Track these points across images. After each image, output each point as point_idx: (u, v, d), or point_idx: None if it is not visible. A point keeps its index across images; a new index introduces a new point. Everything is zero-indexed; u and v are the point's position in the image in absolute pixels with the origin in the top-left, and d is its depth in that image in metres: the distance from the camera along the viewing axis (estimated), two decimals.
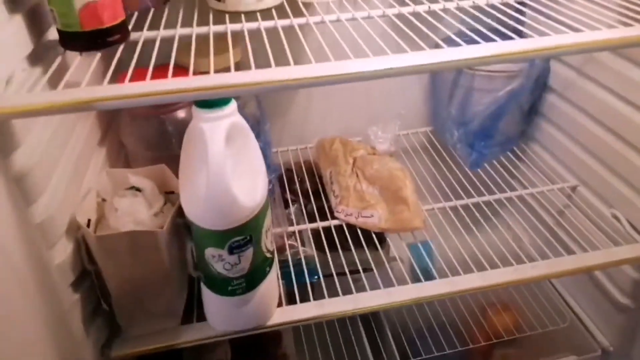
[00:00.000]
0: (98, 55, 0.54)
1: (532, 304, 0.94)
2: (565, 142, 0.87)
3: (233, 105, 0.53)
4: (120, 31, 0.53)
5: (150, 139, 0.72)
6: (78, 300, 0.56)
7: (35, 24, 0.53)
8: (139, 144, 0.73)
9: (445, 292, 0.67)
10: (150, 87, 0.45)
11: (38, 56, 0.52)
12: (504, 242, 0.77)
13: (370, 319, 0.92)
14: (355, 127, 0.96)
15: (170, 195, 0.63)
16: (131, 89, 0.44)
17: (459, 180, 0.88)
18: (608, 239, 0.74)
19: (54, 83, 0.47)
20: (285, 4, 0.65)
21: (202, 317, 0.63)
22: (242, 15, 0.62)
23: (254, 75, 0.46)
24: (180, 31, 0.60)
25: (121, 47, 0.54)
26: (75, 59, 0.53)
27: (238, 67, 0.59)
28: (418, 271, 0.70)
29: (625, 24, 0.52)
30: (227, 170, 0.52)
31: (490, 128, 0.88)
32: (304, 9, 0.66)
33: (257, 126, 0.83)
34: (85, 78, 0.47)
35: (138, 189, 0.61)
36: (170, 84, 0.45)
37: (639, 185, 0.73)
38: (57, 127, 0.55)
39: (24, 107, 0.42)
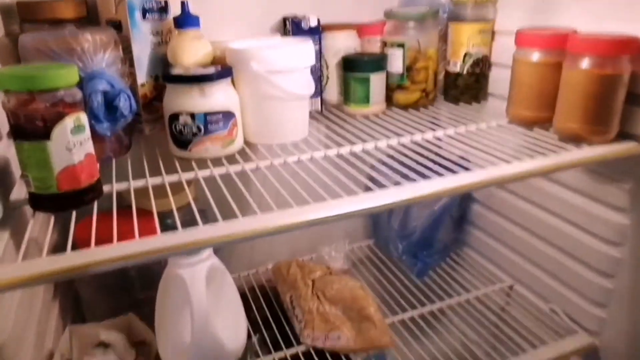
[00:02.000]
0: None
1: None
2: (495, 246, 0.97)
3: (210, 248, 0.55)
4: (95, 190, 0.54)
5: (111, 286, 0.69)
6: None
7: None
8: (98, 292, 0.70)
9: None
10: (119, 251, 0.46)
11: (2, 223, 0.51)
12: (453, 347, 0.81)
13: None
14: (303, 247, 0.99)
15: (140, 346, 0.60)
16: (100, 254, 0.45)
17: (409, 290, 0.93)
18: (551, 332, 0.81)
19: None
20: (246, 149, 0.70)
21: None
22: (208, 162, 0.65)
23: (215, 230, 0.49)
24: (153, 180, 0.61)
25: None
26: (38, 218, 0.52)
27: (195, 201, 0.60)
28: None
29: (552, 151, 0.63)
30: (211, 317, 0.52)
31: (430, 238, 0.97)
32: (265, 152, 0.71)
33: None
34: (47, 236, 0.46)
35: (106, 345, 0.58)
36: (139, 245, 0.46)
37: (569, 280, 0.82)
38: (22, 294, 0.53)
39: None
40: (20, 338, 0.49)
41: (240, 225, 0.49)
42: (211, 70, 0.64)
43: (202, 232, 0.48)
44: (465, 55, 0.83)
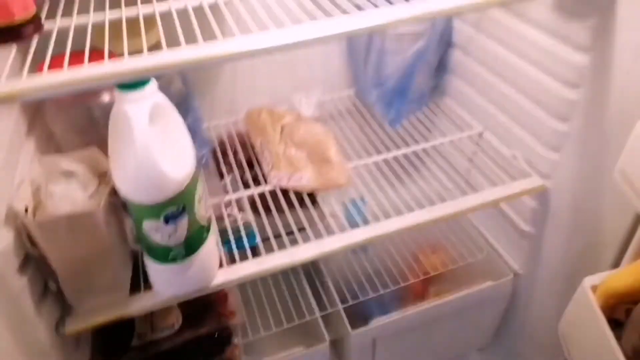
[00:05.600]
0: (14, 47, 0.56)
1: (455, 243, 1.05)
2: (471, 94, 0.97)
3: (153, 85, 0.57)
4: (32, 23, 0.55)
5: (78, 125, 0.74)
6: (26, 283, 0.59)
7: None
8: (68, 130, 0.75)
9: (369, 237, 0.75)
10: (69, 75, 0.48)
11: None
12: (426, 189, 0.85)
13: (311, 272, 1.00)
14: (282, 95, 1.01)
15: (103, 177, 0.66)
16: (50, 79, 0.47)
17: (381, 137, 0.96)
18: (509, 176, 0.85)
19: None
20: None
21: (149, 287, 0.68)
22: None
23: (163, 57, 0.50)
24: (93, 17, 0.62)
25: (35, 39, 0.56)
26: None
27: (154, 49, 0.62)
28: (348, 226, 0.77)
29: None
30: (152, 148, 0.56)
31: (404, 86, 0.96)
32: None
33: (185, 103, 0.86)
34: (5, 70, 0.49)
35: (71, 173, 0.64)
36: (88, 70, 0.49)
37: (530, 126, 0.82)
38: None
39: None
40: None
41: (176, 55, 0.50)
42: None
43: (135, 62, 0.50)
44: None
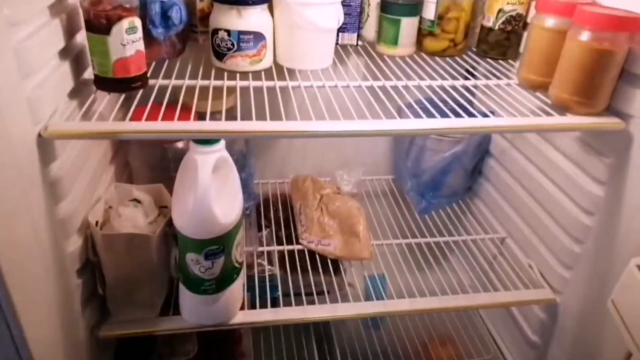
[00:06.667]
0: (122, 95, 0.70)
1: (464, 339, 1.08)
2: (499, 200, 1.04)
3: (222, 143, 0.69)
4: (141, 80, 0.69)
5: (152, 162, 0.87)
6: (80, 285, 0.70)
7: (76, 68, 0.69)
8: (143, 166, 0.88)
9: (380, 312, 0.81)
10: (161, 127, 0.61)
11: (76, 93, 0.68)
12: (442, 280, 0.91)
13: (322, 337, 1.06)
14: (327, 169, 1.11)
15: (163, 209, 0.78)
16: (147, 127, 0.60)
17: (410, 223, 1.04)
18: (522, 284, 0.89)
19: (87, 114, 0.63)
20: (273, 68, 0.82)
21: (176, 313, 0.76)
22: (237, 75, 0.78)
23: (235, 125, 0.62)
24: (187, 82, 0.76)
25: (140, 92, 0.70)
26: (104, 97, 0.69)
27: (229, 112, 0.75)
28: (363, 298, 0.84)
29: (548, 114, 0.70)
30: (210, 193, 0.67)
31: (439, 182, 1.05)
32: (287, 75, 0.82)
33: (243, 160, 0.99)
34: (113, 112, 0.62)
35: (139, 201, 0.76)
36: (176, 125, 0.62)
37: (547, 240, 0.88)
38: (81, 147, 0.71)
39: (68, 132, 0.58)
40: (75, 178, 0.68)
41: (245, 126, 0.63)
42: None
43: (212, 125, 0.63)
44: (498, 11, 0.86)
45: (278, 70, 0.82)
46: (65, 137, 0.59)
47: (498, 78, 0.82)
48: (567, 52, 0.68)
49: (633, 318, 0.55)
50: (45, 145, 0.59)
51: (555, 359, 0.89)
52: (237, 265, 0.74)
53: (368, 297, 0.84)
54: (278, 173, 1.15)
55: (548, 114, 0.71)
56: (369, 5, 0.92)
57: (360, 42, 0.94)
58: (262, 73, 0.80)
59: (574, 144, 0.80)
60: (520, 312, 0.96)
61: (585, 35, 0.65)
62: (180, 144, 0.88)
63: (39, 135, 0.57)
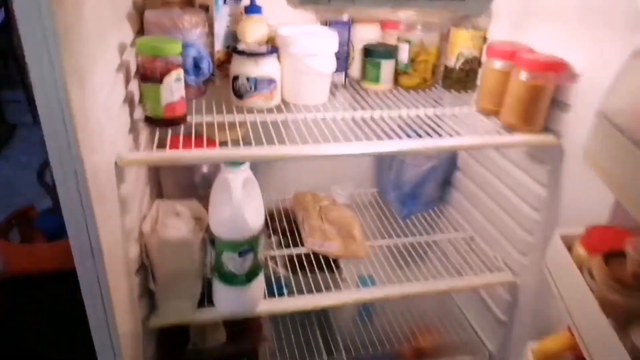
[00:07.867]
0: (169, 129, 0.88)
1: (444, 322, 1.27)
2: (467, 205, 1.25)
3: (247, 165, 0.88)
4: (183, 118, 0.88)
5: (182, 184, 1.05)
6: (137, 283, 0.86)
7: (130, 110, 0.87)
8: (174, 187, 1.06)
9: (375, 297, 1.00)
10: (205, 154, 0.80)
11: (130, 130, 0.86)
12: (424, 270, 1.11)
13: (324, 324, 1.24)
14: (323, 185, 1.30)
15: (198, 220, 0.95)
16: (184, 155, 0.78)
17: (394, 227, 1.24)
18: (489, 271, 1.10)
19: (140, 146, 0.82)
20: (282, 104, 1.01)
21: (211, 305, 0.93)
22: (254, 110, 0.97)
23: (256, 151, 0.81)
24: (216, 117, 0.94)
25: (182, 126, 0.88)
26: (144, 130, 0.87)
27: (244, 138, 0.92)
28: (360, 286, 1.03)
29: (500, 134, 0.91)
30: (242, 204, 0.85)
31: (417, 192, 1.26)
32: (294, 109, 1.02)
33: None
34: (154, 142, 0.80)
35: (178, 214, 0.94)
36: (205, 152, 0.80)
37: (507, 234, 1.09)
38: (135, 172, 0.88)
39: (137, 160, 0.76)
40: (133, 196, 0.85)
41: (264, 150, 0.82)
42: (264, 48, 0.94)
43: (240, 150, 0.81)
44: (458, 54, 1.09)
45: (285, 105, 1.01)
46: (135, 164, 0.77)
47: (460, 107, 1.04)
48: (511, 88, 0.90)
49: (558, 276, 0.75)
50: (119, 171, 0.77)
51: (519, 333, 1.09)
52: (260, 262, 0.92)
53: (363, 286, 1.03)
54: (279, 191, 1.33)
55: (501, 134, 0.92)
56: (354, 50, 1.13)
57: (347, 80, 1.14)
58: (274, 108, 0.99)
59: (522, 156, 1.02)
60: (489, 296, 1.17)
61: (523, 75, 0.87)
62: (205, 169, 1.06)
63: (115, 163, 0.75)
